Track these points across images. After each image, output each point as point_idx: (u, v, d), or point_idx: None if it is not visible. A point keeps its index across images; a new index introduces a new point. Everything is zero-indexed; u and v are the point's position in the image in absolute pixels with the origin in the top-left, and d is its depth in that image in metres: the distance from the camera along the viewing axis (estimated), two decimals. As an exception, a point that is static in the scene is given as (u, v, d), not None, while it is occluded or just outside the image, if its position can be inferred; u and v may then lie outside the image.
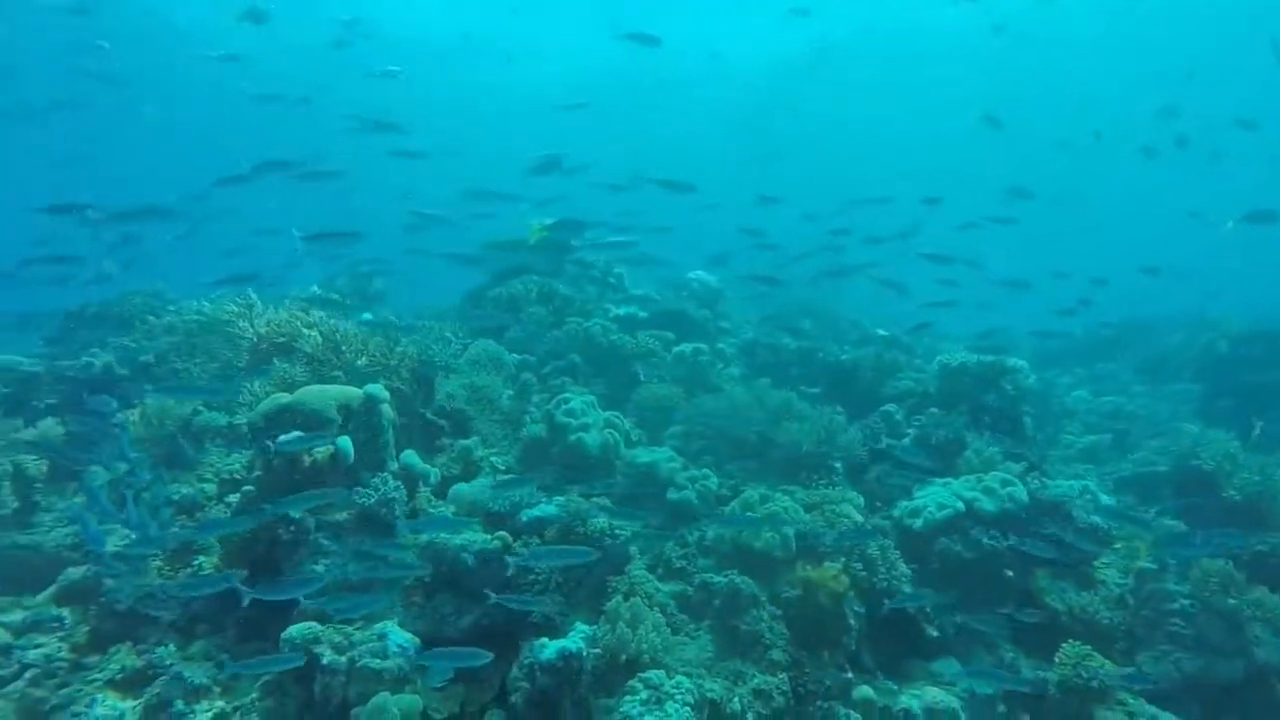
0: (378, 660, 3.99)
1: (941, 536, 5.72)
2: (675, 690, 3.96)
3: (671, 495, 5.55)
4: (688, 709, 3.88)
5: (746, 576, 4.85)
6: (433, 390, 5.80)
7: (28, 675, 4.14)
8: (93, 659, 4.39)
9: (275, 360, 5.46)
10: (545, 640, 4.03)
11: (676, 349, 8.19)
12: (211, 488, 6.49)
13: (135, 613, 4.78)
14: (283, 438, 4.45)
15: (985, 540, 5.57)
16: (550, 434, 5.87)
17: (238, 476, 6.53)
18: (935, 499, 5.98)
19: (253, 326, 5.60)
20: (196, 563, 5.24)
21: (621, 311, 9.00)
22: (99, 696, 3.94)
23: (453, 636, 4.39)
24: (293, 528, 4.35)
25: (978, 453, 6.74)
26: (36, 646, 4.40)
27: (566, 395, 5.88)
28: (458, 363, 6.32)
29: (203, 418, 6.73)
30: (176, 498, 6.17)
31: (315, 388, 4.77)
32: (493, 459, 5.69)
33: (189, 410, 6.60)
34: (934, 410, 7.33)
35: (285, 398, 4.66)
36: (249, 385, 5.56)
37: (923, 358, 9.69)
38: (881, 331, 10.91)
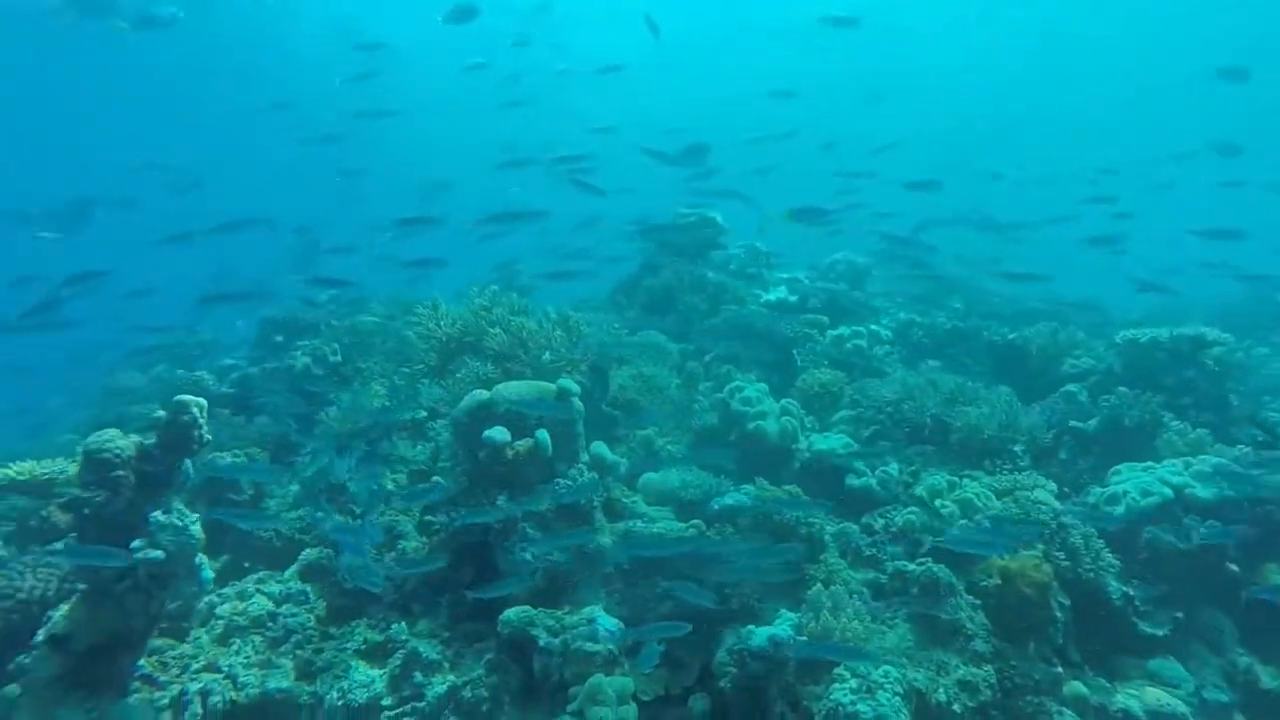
0: (590, 644, 4.22)
1: (1149, 525, 5.34)
2: (884, 680, 3.94)
3: (852, 482, 5.49)
4: (898, 698, 3.85)
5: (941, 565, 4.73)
6: (608, 382, 5.99)
7: (293, 639, 4.68)
8: (333, 629, 4.89)
9: (466, 358, 5.81)
10: (754, 627, 4.10)
11: (834, 333, 8.05)
12: (403, 477, 7.09)
13: (361, 591, 5.31)
14: (488, 432, 4.76)
15: (1203, 530, 5.15)
16: (724, 422, 5.93)
17: (424, 468, 7.13)
18: (1137, 485, 5.59)
19: (440, 327, 5.98)
20: (400, 548, 5.74)
21: (773, 297, 8.93)
22: (353, 664, 4.40)
23: (654, 622, 4.57)
24: (503, 519, 4.65)
25: (1180, 434, 6.23)
26: (293, 615, 4.97)
27: (739, 384, 5.93)
28: (628, 353, 6.51)
29: (396, 413, 7.33)
30: (375, 487, 6.78)
31: (512, 384, 5.05)
32: (669, 448, 5.82)
33: (379, 405, 7.20)
34: (1123, 390, 6.82)
35: (484, 394, 4.97)
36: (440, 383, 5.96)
37: (1087, 332, 9.00)
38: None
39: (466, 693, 4.23)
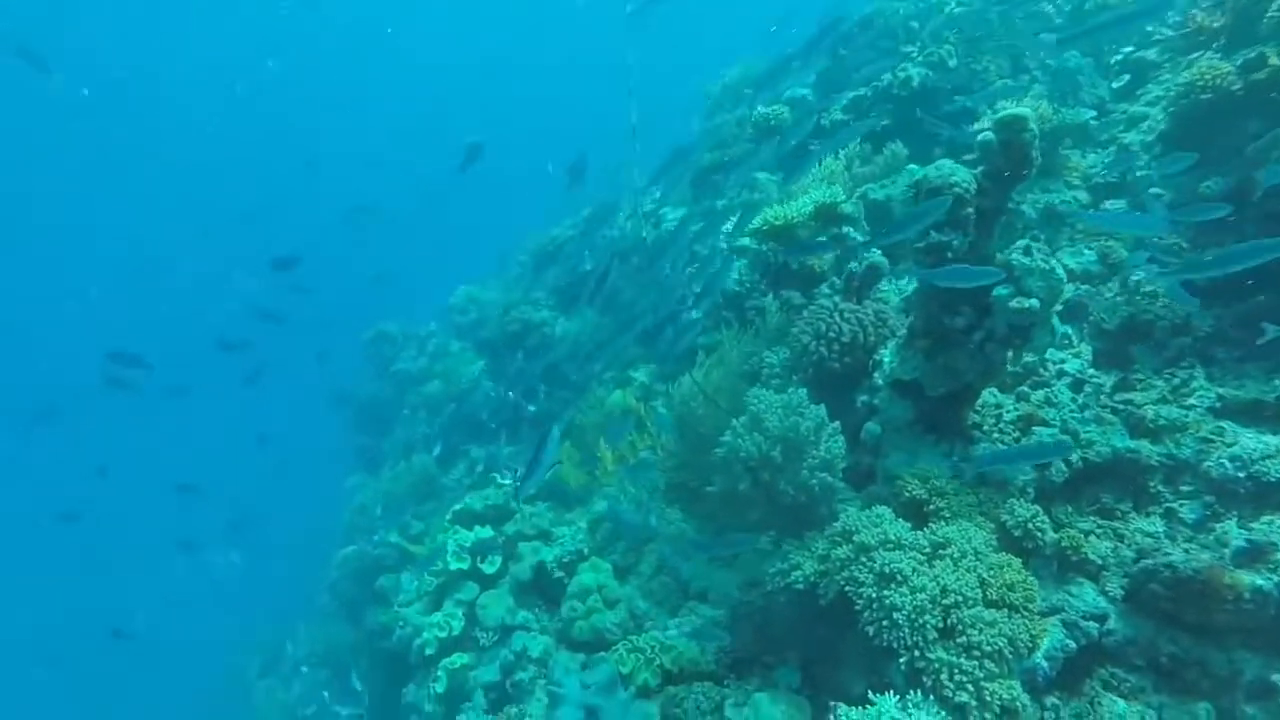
0: None
1: None
2: None
3: None
4: None
5: None
6: None
7: (1085, 390, 4.12)
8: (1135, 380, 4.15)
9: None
10: None
11: None
12: (1083, 194, 5.85)
13: (1125, 332, 4.45)
14: None
15: None
16: None
17: (1103, 179, 5.78)
18: None
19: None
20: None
21: None
22: (1222, 424, 3.61)
23: None
24: None
25: None
26: (1062, 362, 4.38)
27: None
28: None
29: (1063, 116, 5.93)
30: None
31: None
32: None
33: (1048, 110, 5.85)
34: None
35: None
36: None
37: None
38: None
39: None
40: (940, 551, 3.20)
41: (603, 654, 4.01)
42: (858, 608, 3.11)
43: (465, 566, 5.35)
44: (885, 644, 2.99)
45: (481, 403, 9.09)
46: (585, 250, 8.44)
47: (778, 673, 3.66)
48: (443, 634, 5.09)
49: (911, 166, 5.38)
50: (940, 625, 2.93)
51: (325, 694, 8.07)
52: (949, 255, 3.42)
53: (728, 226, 5.74)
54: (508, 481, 5.91)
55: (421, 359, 10.46)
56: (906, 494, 3.58)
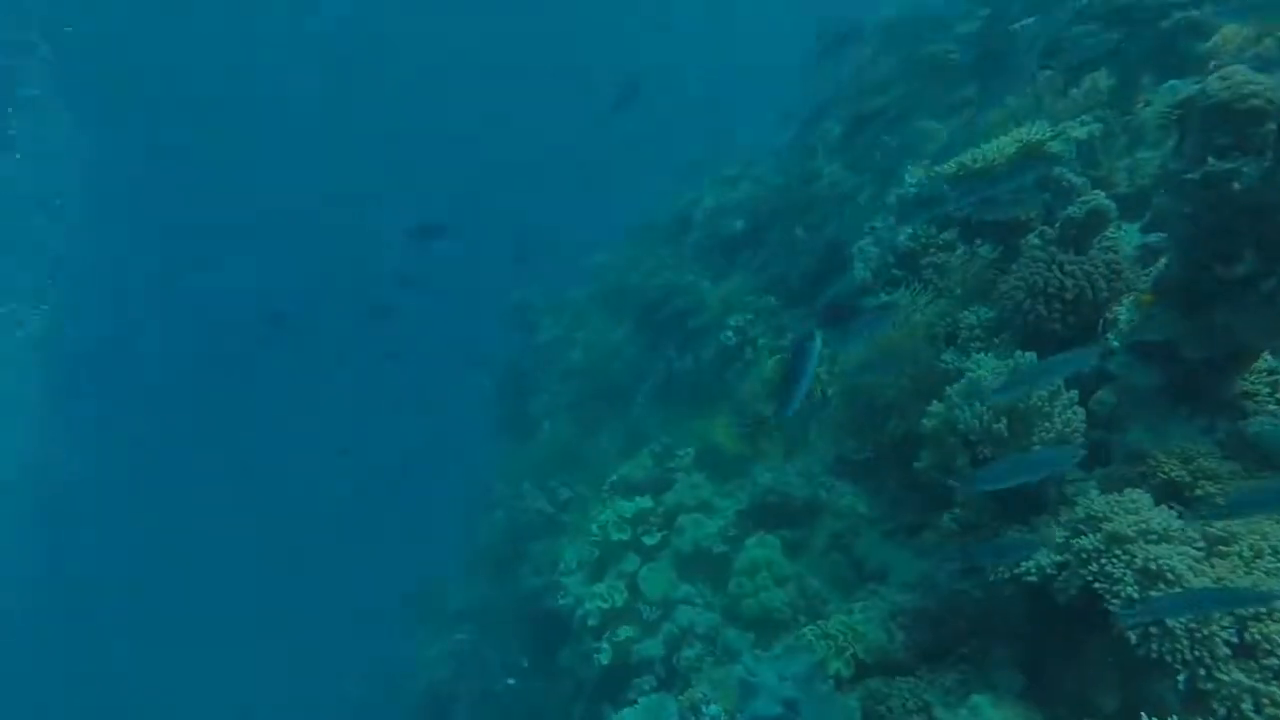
0: None
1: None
2: None
3: None
4: None
5: None
6: None
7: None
8: None
9: None
10: None
11: None
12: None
13: None
14: None
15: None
16: None
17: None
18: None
19: None
20: None
21: None
22: None
23: None
24: None
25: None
26: None
27: None
28: None
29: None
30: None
31: None
32: None
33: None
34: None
35: None
36: None
37: None
38: None
39: None
40: (1222, 548, 2.64)
41: (793, 640, 3.72)
42: (1113, 609, 2.62)
43: (626, 537, 5.21)
44: (1152, 655, 2.50)
45: (624, 369, 8.96)
46: (735, 211, 8.03)
47: (995, 673, 3.23)
48: (605, 605, 4.99)
49: (1173, 82, 4.57)
50: (1234, 640, 2.41)
51: (482, 649, 8.36)
52: (1236, 187, 2.78)
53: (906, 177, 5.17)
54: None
55: (562, 326, 10.48)
56: (1161, 475, 3.01)
